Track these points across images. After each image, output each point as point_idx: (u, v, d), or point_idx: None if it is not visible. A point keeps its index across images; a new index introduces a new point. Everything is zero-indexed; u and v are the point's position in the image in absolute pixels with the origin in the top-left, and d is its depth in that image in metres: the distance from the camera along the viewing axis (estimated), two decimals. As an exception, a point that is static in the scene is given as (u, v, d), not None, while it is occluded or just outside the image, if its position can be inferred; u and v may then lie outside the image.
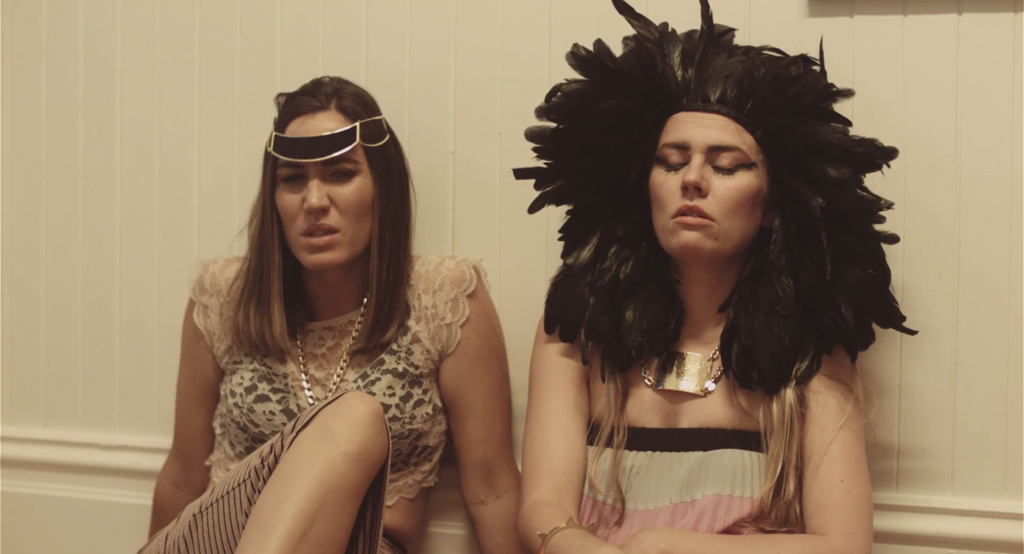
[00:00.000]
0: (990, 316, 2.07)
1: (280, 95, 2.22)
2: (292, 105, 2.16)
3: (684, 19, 2.04)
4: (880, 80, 2.10)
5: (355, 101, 2.14)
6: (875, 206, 1.91)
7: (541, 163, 2.07)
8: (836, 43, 2.08)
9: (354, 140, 2.10)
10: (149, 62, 2.51)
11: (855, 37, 2.11)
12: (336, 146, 2.10)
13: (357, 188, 2.12)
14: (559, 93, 2.03)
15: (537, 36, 2.27)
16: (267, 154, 2.16)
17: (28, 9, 2.59)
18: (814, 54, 2.00)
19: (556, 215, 2.12)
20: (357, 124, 2.11)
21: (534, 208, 2.08)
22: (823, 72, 1.98)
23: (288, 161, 2.11)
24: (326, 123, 2.12)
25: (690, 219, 1.90)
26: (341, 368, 2.18)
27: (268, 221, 2.17)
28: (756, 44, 2.05)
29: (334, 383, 2.17)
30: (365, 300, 2.18)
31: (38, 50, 2.59)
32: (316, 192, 2.09)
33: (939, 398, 2.10)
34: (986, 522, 2.07)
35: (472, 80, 2.32)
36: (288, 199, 2.13)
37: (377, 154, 2.14)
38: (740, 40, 2.08)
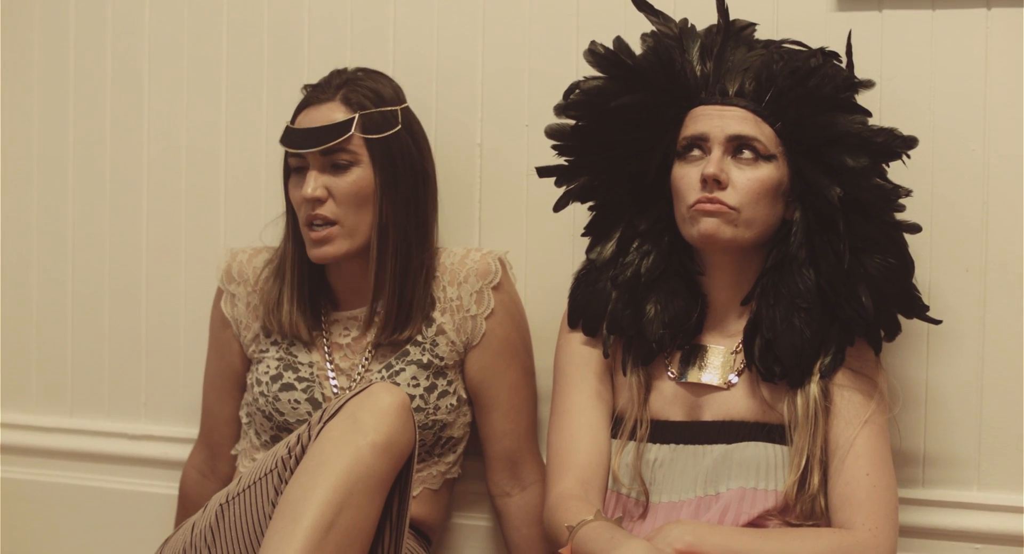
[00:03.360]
0: (1017, 311, 2.06)
1: (304, 86, 2.23)
2: (305, 97, 2.18)
3: (708, 15, 2.04)
4: (908, 75, 2.10)
5: (364, 93, 2.14)
6: (894, 194, 1.90)
7: (564, 161, 2.07)
8: (864, 37, 2.07)
9: (349, 131, 2.11)
10: (177, 54, 2.52)
11: (883, 31, 2.11)
12: (331, 137, 2.10)
13: (355, 179, 2.12)
14: (577, 90, 2.03)
15: (565, 28, 2.27)
16: None
17: (55, 1, 2.60)
18: (841, 48, 1.99)
19: (583, 208, 2.12)
20: (356, 115, 2.11)
21: (559, 206, 2.09)
22: (851, 66, 1.98)
23: (290, 152, 2.14)
24: (328, 114, 2.12)
25: (708, 206, 1.90)
26: (366, 358, 2.18)
27: (287, 212, 2.20)
28: (783, 38, 2.05)
29: (359, 373, 2.18)
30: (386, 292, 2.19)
31: (66, 42, 2.59)
32: (312, 182, 2.10)
33: (965, 392, 2.09)
34: (1013, 517, 2.06)
35: (500, 73, 2.32)
36: (294, 191, 2.15)
37: (380, 145, 2.13)
38: (769, 34, 2.07)
